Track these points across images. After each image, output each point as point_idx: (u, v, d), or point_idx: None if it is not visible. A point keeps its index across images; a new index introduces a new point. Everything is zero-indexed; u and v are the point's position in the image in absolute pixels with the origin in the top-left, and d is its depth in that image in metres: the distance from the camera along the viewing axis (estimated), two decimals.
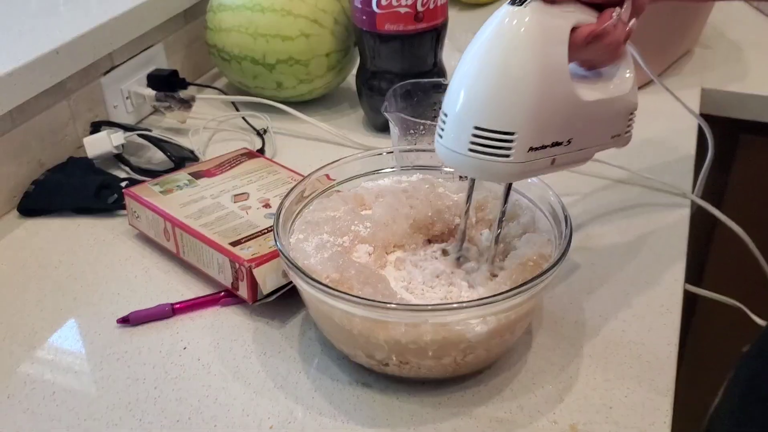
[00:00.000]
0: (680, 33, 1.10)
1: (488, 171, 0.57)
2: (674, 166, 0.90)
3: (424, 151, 0.75)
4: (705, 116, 0.95)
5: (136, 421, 0.60)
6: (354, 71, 1.06)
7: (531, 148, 0.56)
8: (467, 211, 0.66)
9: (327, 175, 0.74)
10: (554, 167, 0.60)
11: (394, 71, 0.96)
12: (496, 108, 0.55)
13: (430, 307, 0.57)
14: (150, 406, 0.61)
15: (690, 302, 0.98)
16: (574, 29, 0.56)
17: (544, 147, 0.57)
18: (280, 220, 0.64)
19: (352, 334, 0.59)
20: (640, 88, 1.06)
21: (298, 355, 0.66)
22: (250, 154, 0.87)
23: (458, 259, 0.66)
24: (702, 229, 1.03)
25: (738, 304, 0.89)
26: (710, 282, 0.89)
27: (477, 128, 0.56)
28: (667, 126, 0.98)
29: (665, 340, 0.66)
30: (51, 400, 0.62)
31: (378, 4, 0.91)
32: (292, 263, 0.58)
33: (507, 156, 0.56)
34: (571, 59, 0.57)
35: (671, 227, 0.81)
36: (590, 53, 0.60)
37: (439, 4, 0.92)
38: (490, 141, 0.56)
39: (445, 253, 0.68)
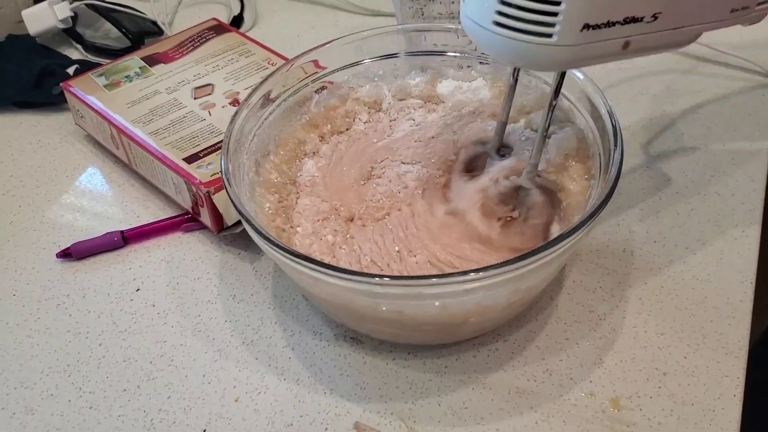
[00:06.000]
0: None
1: (524, 55, 0.41)
2: (757, 32, 0.70)
3: (434, 29, 0.58)
4: None
5: (75, 390, 0.49)
6: None
7: (587, 26, 0.39)
8: (509, 100, 0.50)
9: (315, 62, 0.57)
10: (628, 53, 0.43)
11: None
12: None
13: (431, 281, 0.42)
14: (93, 370, 0.50)
15: None
16: None
17: (610, 24, 0.40)
18: (231, 141, 0.48)
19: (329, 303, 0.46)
20: None
21: (272, 300, 0.53)
22: (219, 28, 0.70)
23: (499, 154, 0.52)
24: None
25: None
26: None
27: None
28: None
29: (739, 276, 0.52)
30: None
31: None
32: (241, 212, 0.44)
33: (549, 36, 0.39)
34: None
35: (751, 119, 0.64)
36: None
37: None
38: (524, 12, 0.39)
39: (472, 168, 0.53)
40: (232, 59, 0.65)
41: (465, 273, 0.40)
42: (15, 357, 0.51)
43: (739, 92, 0.66)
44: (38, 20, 0.75)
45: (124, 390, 0.49)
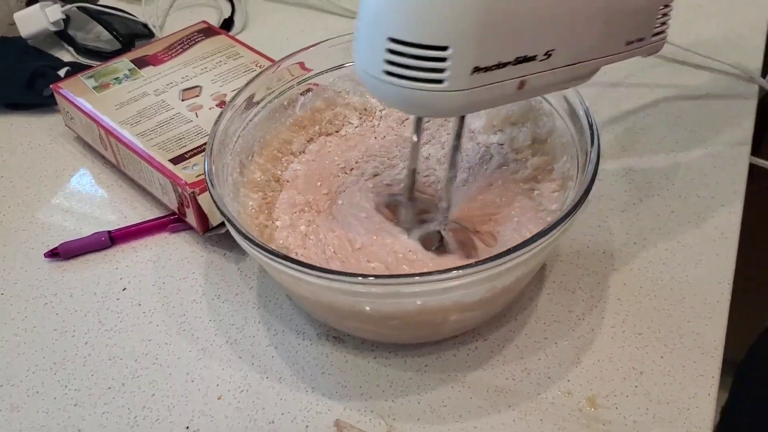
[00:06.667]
0: None
1: (417, 103, 0.40)
2: (740, 36, 0.72)
3: None
4: None
5: (60, 388, 0.50)
6: None
7: (477, 69, 0.38)
8: (415, 148, 0.48)
9: (301, 64, 0.58)
10: (526, 92, 0.42)
11: None
12: (418, 8, 0.37)
13: (416, 279, 0.42)
14: (79, 368, 0.51)
15: None
16: None
17: (501, 65, 0.39)
18: (215, 143, 0.49)
19: (309, 300, 0.46)
20: None
21: (257, 300, 0.54)
22: (208, 31, 0.70)
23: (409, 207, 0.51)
24: None
25: None
26: None
27: (392, 40, 0.38)
28: None
29: (717, 277, 0.52)
30: None
31: None
32: (223, 213, 0.45)
33: (439, 81, 0.38)
34: None
35: (733, 122, 0.64)
36: None
37: None
38: (413, 60, 0.38)
39: (391, 207, 0.52)
40: (220, 62, 0.66)
41: (445, 271, 0.41)
42: (1, 355, 0.52)
43: (721, 95, 0.67)
44: (30, 23, 0.76)
45: (109, 388, 0.49)
